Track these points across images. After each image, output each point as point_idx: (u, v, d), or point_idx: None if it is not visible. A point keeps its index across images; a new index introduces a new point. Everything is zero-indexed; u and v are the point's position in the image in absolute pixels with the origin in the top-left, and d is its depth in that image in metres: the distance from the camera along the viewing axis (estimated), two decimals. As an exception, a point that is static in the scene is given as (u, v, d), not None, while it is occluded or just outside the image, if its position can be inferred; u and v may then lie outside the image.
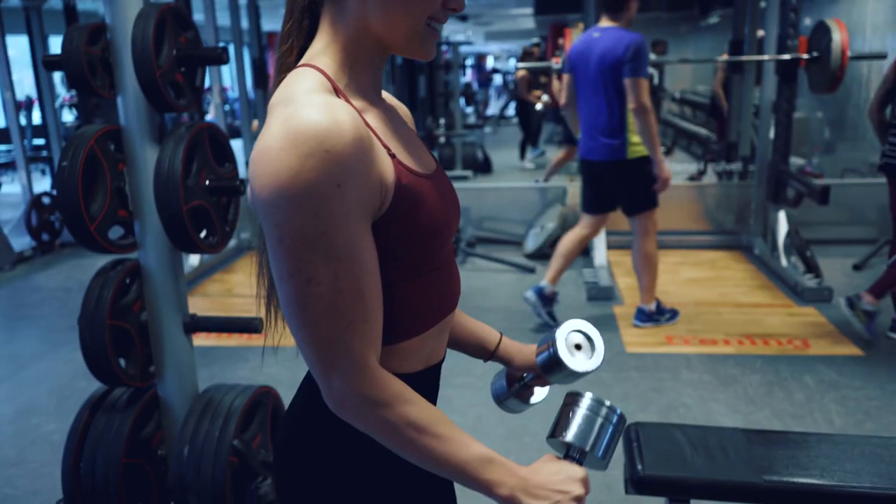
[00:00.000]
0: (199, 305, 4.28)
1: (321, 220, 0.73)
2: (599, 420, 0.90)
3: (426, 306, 0.89)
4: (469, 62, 19.03)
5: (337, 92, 0.81)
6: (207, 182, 1.89)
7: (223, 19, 5.81)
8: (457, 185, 5.24)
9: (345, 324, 0.76)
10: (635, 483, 1.62)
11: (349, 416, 0.81)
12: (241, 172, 2.24)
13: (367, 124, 0.80)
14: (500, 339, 1.16)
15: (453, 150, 8.07)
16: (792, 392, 2.94)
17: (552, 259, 3.76)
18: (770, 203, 4.53)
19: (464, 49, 17.71)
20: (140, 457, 2.00)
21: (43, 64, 1.84)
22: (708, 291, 4.18)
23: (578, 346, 1.07)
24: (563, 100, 3.71)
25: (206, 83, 2.07)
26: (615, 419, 0.91)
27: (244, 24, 6.01)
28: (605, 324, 3.72)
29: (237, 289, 4.64)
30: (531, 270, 4.68)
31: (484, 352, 1.16)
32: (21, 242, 5.35)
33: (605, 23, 3.41)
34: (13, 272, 5.07)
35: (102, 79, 1.84)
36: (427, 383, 0.95)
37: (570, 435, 0.89)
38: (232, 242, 5.39)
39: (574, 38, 4.25)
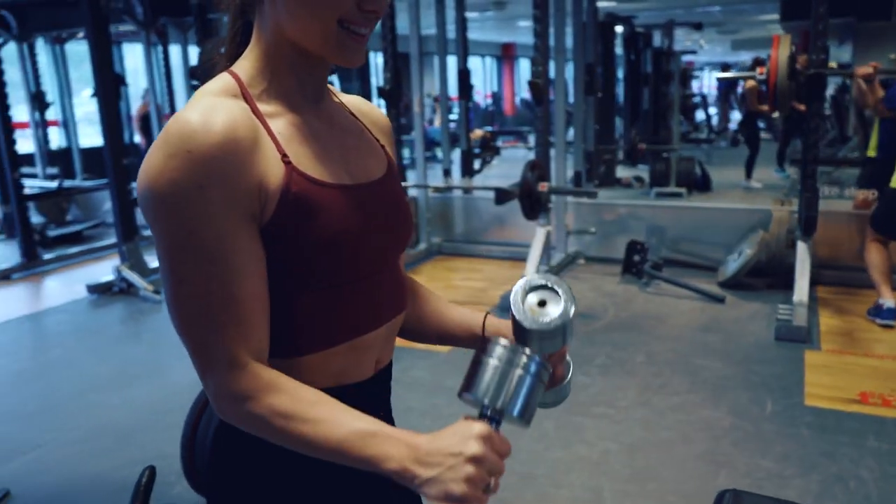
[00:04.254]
0: (375, 303, 4.51)
1: (185, 220, 0.72)
2: (517, 371, 0.76)
3: (331, 322, 0.84)
4: (702, 73, 17.84)
5: (245, 96, 0.80)
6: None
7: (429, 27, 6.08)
8: (664, 202, 4.89)
9: (217, 326, 0.75)
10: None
11: (226, 417, 0.79)
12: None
13: (267, 129, 0.79)
14: (486, 319, 1.02)
15: (667, 165, 7.61)
16: None
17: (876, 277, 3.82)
18: None
19: (702, 59, 16.69)
20: (247, 439, 2.15)
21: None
22: (935, 346, 3.48)
23: (542, 303, 0.89)
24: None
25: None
26: (534, 368, 0.77)
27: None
28: (789, 369, 3.26)
29: (415, 291, 4.80)
30: (720, 300, 4.25)
31: (474, 337, 1.03)
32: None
33: None
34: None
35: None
36: (342, 402, 0.89)
37: (479, 391, 0.76)
38: (422, 245, 5.60)
39: (784, 45, 3.80)
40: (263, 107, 0.81)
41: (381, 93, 4.98)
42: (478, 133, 9.31)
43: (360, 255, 0.84)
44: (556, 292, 0.87)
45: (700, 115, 14.11)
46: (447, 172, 6.12)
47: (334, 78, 8.69)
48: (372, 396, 0.93)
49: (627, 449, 2.64)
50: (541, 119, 4.63)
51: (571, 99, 6.82)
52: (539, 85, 4.41)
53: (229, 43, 0.87)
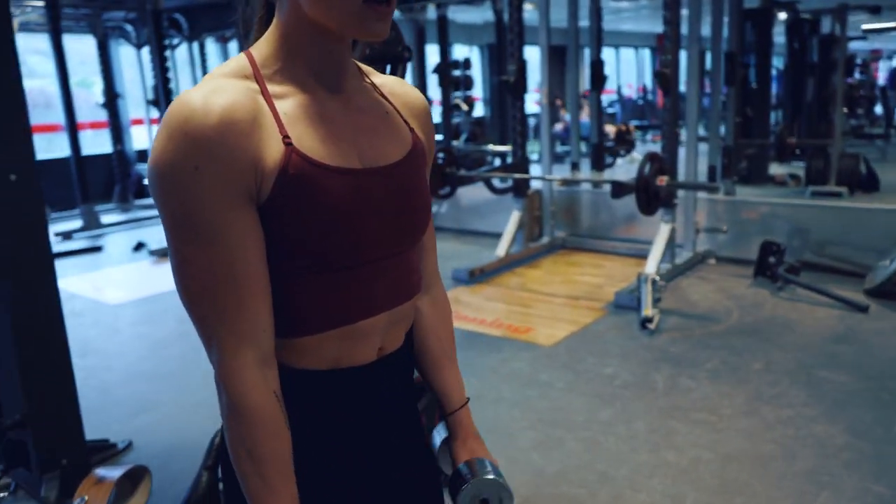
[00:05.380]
0: (488, 294, 4.53)
1: (182, 201, 0.74)
2: None
3: (326, 306, 0.84)
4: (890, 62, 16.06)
5: (256, 77, 0.80)
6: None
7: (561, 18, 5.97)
8: (809, 201, 4.61)
9: (218, 308, 0.77)
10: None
11: (217, 389, 0.81)
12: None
13: (273, 109, 0.79)
14: (455, 413, 1.02)
15: (825, 162, 6.97)
16: None
17: None
18: None
19: (890, 46, 15.04)
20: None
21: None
22: None
23: (484, 502, 0.96)
24: None
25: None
26: None
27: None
28: (931, 390, 2.90)
29: (531, 284, 4.77)
30: (862, 309, 3.85)
31: (441, 410, 1.05)
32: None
33: None
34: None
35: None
36: (339, 386, 0.88)
37: None
38: (545, 239, 5.55)
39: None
40: (273, 87, 0.81)
41: (505, 85, 4.97)
42: (618, 126, 9.04)
43: (360, 241, 0.83)
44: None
45: (879, 108, 12.75)
46: (575, 166, 6.01)
47: (476, 72, 8.73)
48: (373, 381, 0.91)
49: (721, 459, 2.48)
50: (668, 111, 4.43)
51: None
52: (667, 74, 4.21)
53: (255, 24, 0.88)
